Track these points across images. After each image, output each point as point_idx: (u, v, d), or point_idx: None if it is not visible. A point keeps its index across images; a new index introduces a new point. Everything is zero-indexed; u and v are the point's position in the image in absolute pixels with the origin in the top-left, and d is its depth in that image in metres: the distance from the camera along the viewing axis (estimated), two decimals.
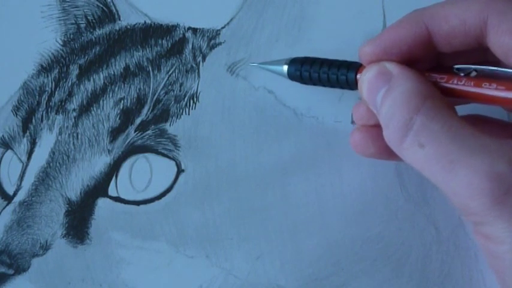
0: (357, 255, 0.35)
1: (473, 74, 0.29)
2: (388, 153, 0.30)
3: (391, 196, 0.35)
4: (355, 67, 0.32)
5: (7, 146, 0.39)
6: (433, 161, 0.27)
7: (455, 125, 0.27)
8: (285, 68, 0.34)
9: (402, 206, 0.35)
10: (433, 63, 0.31)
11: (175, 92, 0.37)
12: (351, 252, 0.35)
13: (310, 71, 0.33)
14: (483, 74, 0.29)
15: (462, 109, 0.32)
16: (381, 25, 0.36)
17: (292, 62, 0.34)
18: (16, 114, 0.39)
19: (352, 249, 0.35)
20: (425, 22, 0.29)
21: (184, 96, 0.37)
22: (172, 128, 0.37)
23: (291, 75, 0.34)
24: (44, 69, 0.39)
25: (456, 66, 0.30)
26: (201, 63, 0.38)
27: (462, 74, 0.29)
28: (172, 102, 0.37)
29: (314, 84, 0.34)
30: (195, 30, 0.38)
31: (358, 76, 0.31)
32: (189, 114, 0.37)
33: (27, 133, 0.38)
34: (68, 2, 0.40)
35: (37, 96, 0.39)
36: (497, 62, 0.29)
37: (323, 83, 0.33)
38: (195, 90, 0.37)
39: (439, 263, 0.34)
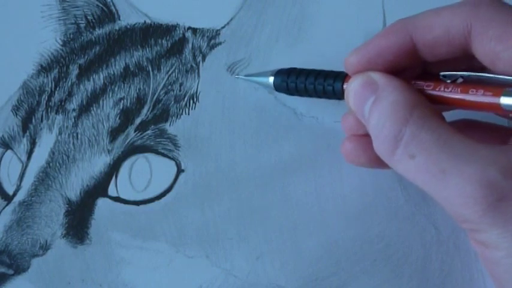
0: (357, 255, 0.35)
1: (460, 80, 0.29)
2: (379, 162, 0.30)
3: (391, 196, 0.35)
4: (341, 77, 0.32)
5: (7, 146, 0.38)
6: (425, 171, 0.27)
7: (445, 133, 0.27)
8: (271, 79, 0.34)
9: (402, 206, 0.35)
10: (419, 72, 0.31)
11: (175, 92, 0.37)
12: (351, 252, 0.35)
13: (296, 81, 0.33)
14: (470, 81, 0.29)
15: (452, 114, 0.31)
16: (381, 25, 0.36)
17: (278, 73, 0.34)
18: (16, 114, 0.39)
19: (352, 249, 0.35)
20: (409, 32, 0.29)
21: (184, 96, 0.37)
22: (172, 128, 0.37)
23: (277, 87, 0.34)
24: (44, 69, 0.39)
25: (442, 73, 0.29)
26: (201, 63, 0.38)
27: (449, 81, 0.29)
28: (172, 102, 0.37)
29: (300, 95, 0.34)
30: (195, 30, 0.38)
31: (344, 86, 0.31)
32: (189, 114, 0.37)
33: (27, 133, 0.38)
34: (68, 2, 0.40)
35: (37, 96, 0.39)
36: (483, 69, 0.29)
37: (309, 94, 0.33)
38: (195, 90, 0.37)
39: (439, 263, 0.34)
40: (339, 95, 0.32)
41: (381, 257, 0.34)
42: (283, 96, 0.36)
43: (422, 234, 0.35)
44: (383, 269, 0.34)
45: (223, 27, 0.38)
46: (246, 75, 0.36)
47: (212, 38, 0.38)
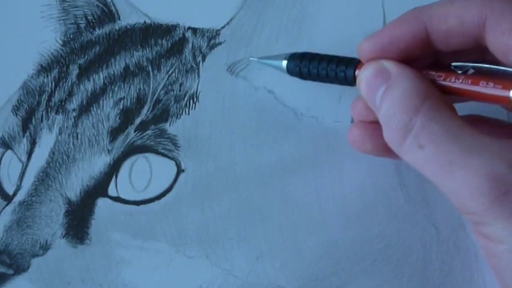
0: (357, 255, 0.35)
1: (471, 72, 0.29)
2: (385, 150, 0.30)
3: (391, 196, 0.35)
4: (354, 64, 0.32)
5: (7, 146, 0.39)
6: (433, 162, 0.27)
7: (455, 125, 0.27)
8: (284, 63, 0.35)
9: (402, 206, 0.35)
10: (431, 61, 0.31)
11: (175, 92, 0.37)
12: (351, 252, 0.35)
13: (309, 66, 0.33)
14: (481, 72, 0.29)
15: (462, 109, 0.32)
16: (381, 25, 0.36)
17: (292, 58, 0.34)
18: (16, 114, 0.39)
19: (352, 249, 0.35)
20: (423, 21, 0.29)
21: (184, 96, 0.37)
22: (172, 128, 0.37)
23: (290, 71, 0.34)
24: (44, 69, 0.39)
25: (454, 64, 0.30)
26: (201, 63, 0.38)
27: (460, 72, 0.29)
28: (172, 102, 0.37)
29: (313, 79, 0.34)
30: (195, 30, 0.38)
31: (356, 73, 0.31)
32: (188, 114, 0.37)
33: (27, 133, 0.38)
34: (68, 1, 0.40)
35: (37, 96, 0.39)
36: (495, 62, 0.29)
37: (322, 79, 0.33)
38: (195, 90, 0.37)
39: (439, 263, 0.34)
40: (351, 82, 0.32)
41: (381, 257, 0.34)
42: (283, 96, 0.36)
43: (422, 234, 0.35)
44: (383, 269, 0.34)
45: (223, 27, 0.38)
46: (260, 58, 0.36)
47: (212, 38, 0.38)
